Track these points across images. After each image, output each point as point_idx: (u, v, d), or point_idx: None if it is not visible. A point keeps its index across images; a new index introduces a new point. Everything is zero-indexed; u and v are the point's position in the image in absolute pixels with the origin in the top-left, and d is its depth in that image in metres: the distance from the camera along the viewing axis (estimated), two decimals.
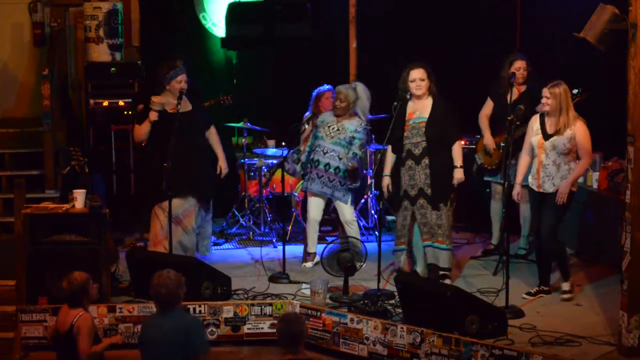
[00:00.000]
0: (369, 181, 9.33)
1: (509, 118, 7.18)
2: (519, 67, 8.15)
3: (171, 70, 7.86)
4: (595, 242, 8.30)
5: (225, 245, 9.09)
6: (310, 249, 8.31)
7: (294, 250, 8.64)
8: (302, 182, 8.51)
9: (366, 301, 7.00)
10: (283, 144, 9.43)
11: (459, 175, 7.50)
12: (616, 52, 6.56)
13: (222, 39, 10.23)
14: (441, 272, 7.55)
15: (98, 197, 7.64)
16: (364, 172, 9.42)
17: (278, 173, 8.26)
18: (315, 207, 8.24)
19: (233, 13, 10.00)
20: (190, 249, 8.02)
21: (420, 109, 7.54)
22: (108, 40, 9.64)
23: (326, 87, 8.85)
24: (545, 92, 7.12)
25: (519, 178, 7.40)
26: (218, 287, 7.23)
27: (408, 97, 7.56)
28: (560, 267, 7.38)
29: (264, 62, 10.46)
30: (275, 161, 9.14)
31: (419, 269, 7.64)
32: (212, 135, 8.15)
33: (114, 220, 7.90)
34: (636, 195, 5.99)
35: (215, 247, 8.87)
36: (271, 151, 9.48)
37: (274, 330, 6.94)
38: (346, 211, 8.18)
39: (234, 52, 10.33)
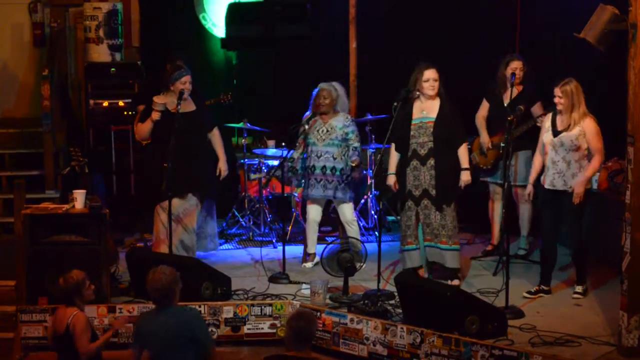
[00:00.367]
0: (369, 181, 9.33)
1: (508, 118, 7.18)
2: (515, 67, 8.15)
3: (176, 71, 7.88)
4: (595, 242, 8.29)
5: (225, 246, 9.09)
6: (310, 250, 8.31)
7: (294, 250, 8.64)
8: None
9: (366, 301, 7.00)
10: (283, 144, 9.43)
11: (465, 177, 7.50)
12: (616, 52, 6.56)
13: (222, 39, 10.23)
14: (448, 272, 7.54)
15: (98, 197, 7.65)
16: (364, 171, 9.43)
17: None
18: (315, 209, 8.24)
19: (233, 13, 10.00)
20: (191, 249, 8.05)
21: (427, 108, 7.53)
22: (108, 41, 9.65)
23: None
24: (557, 91, 7.12)
25: (532, 177, 7.42)
26: (218, 288, 7.23)
27: (416, 96, 7.54)
28: (579, 269, 7.38)
29: (264, 62, 10.46)
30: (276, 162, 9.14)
31: (422, 269, 7.64)
32: (215, 136, 8.17)
33: (114, 220, 7.90)
34: (636, 195, 5.99)
35: None
36: (271, 151, 9.48)
37: (274, 331, 6.98)
38: (347, 211, 8.17)
39: (234, 52, 10.33)
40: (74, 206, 7.22)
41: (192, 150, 7.91)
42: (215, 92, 9.32)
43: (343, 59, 9.69)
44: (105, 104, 9.61)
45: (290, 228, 9.16)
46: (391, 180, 7.68)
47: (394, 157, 7.67)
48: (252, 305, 7.10)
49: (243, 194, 9.52)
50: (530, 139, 8.10)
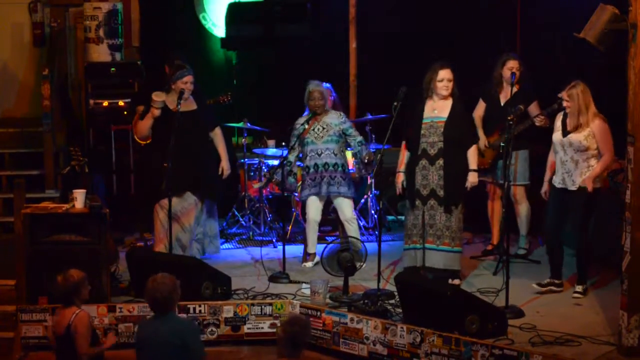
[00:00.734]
0: (369, 181, 9.34)
1: (508, 118, 7.18)
2: (511, 66, 8.15)
3: (178, 71, 7.90)
4: (595, 242, 8.29)
5: (225, 245, 9.08)
6: (310, 250, 8.31)
7: (294, 250, 8.64)
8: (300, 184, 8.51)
9: (366, 301, 7.00)
10: (283, 144, 9.44)
11: (473, 179, 7.48)
12: (616, 52, 6.56)
13: (222, 39, 10.23)
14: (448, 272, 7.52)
15: (98, 197, 7.65)
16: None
17: None
18: (315, 208, 8.24)
19: (233, 13, 10.00)
20: (187, 247, 8.05)
21: (439, 108, 7.51)
22: (108, 41, 9.65)
23: (325, 85, 8.85)
24: (564, 95, 7.14)
25: (547, 176, 7.43)
26: (218, 287, 7.23)
27: (429, 95, 7.53)
28: (580, 268, 7.38)
29: (264, 62, 10.46)
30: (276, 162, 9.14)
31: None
32: (217, 136, 8.18)
33: (114, 220, 7.90)
34: (636, 195, 5.99)
35: None
36: (271, 151, 9.48)
37: (274, 330, 6.98)
38: (346, 209, 8.18)
39: (234, 52, 10.33)
40: (74, 206, 7.22)
41: (192, 149, 7.92)
42: (215, 92, 9.32)
43: (343, 59, 9.71)
44: (105, 103, 9.61)
45: (290, 228, 9.16)
46: (399, 178, 7.67)
47: (405, 155, 7.65)
48: (252, 304, 7.10)
49: (243, 193, 9.52)
50: (528, 138, 8.12)
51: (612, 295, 6.94)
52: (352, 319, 6.80)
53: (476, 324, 6.38)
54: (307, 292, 7.28)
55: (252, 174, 9.44)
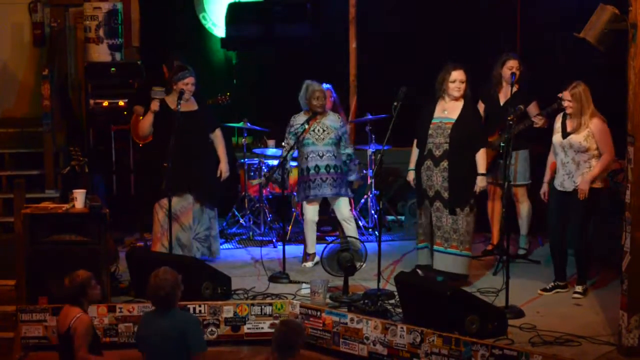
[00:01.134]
0: (369, 181, 9.34)
1: (508, 118, 7.18)
2: (511, 66, 8.15)
3: (180, 72, 7.91)
4: (595, 242, 8.29)
5: (225, 245, 9.08)
6: (310, 250, 8.31)
7: (294, 250, 8.64)
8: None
9: (366, 301, 7.00)
10: (283, 143, 9.43)
11: (481, 183, 7.43)
12: (616, 52, 6.56)
13: (222, 39, 10.24)
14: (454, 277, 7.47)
15: (98, 197, 7.65)
16: (364, 171, 9.44)
17: None
18: (313, 209, 8.24)
19: (233, 13, 10.01)
20: (187, 246, 8.06)
21: (449, 109, 7.48)
22: (108, 41, 9.65)
23: (325, 86, 8.85)
24: (567, 95, 7.12)
25: (547, 177, 7.43)
26: (218, 287, 7.23)
27: (441, 95, 7.51)
28: (579, 268, 7.38)
29: (264, 62, 10.46)
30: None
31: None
32: (217, 137, 8.19)
33: (114, 220, 7.90)
34: (636, 195, 5.99)
35: None
36: (271, 151, 9.48)
37: (274, 330, 6.98)
38: (344, 208, 8.19)
39: (234, 52, 10.33)
40: (74, 206, 7.22)
41: (192, 149, 7.92)
42: (215, 92, 9.33)
43: (343, 59, 9.71)
44: (105, 103, 9.60)
45: (290, 228, 9.16)
46: (410, 176, 7.66)
47: (415, 152, 7.64)
48: (252, 304, 7.10)
49: (243, 193, 9.52)
50: (527, 138, 8.11)
51: (612, 295, 6.94)
52: (352, 319, 6.80)
53: (476, 324, 6.38)
54: (307, 292, 7.27)
55: (252, 174, 9.44)
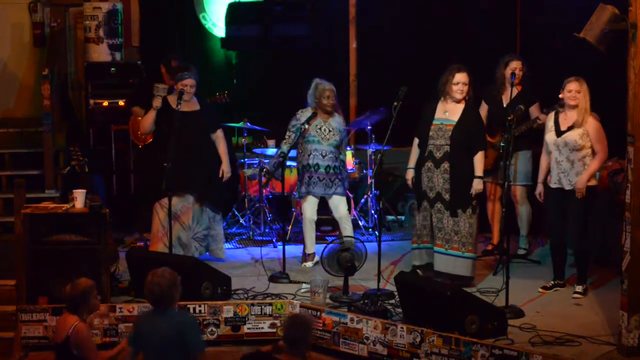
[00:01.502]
0: (369, 181, 9.34)
1: (508, 118, 7.17)
2: (514, 67, 8.15)
3: (182, 72, 7.92)
4: (595, 242, 8.29)
5: (226, 245, 9.06)
6: (309, 250, 8.31)
7: (294, 250, 8.64)
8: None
9: (366, 301, 7.00)
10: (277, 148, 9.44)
11: (477, 185, 7.42)
12: (616, 52, 6.56)
13: (222, 39, 10.24)
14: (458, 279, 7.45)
15: (98, 197, 7.65)
16: (364, 171, 9.43)
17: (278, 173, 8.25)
18: (311, 207, 8.24)
19: (233, 13, 10.00)
20: (187, 246, 8.06)
21: (450, 110, 7.47)
22: (108, 40, 9.65)
23: None
24: (576, 85, 7.12)
25: (541, 177, 7.43)
26: (218, 287, 7.23)
27: (442, 96, 7.51)
28: (579, 269, 7.39)
29: (264, 62, 10.46)
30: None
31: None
32: (218, 138, 8.18)
33: (114, 220, 7.90)
34: (636, 195, 5.99)
35: None
36: (271, 151, 9.47)
37: (274, 330, 6.99)
38: (342, 206, 8.19)
39: (234, 52, 10.33)
40: (73, 206, 7.21)
41: (193, 149, 7.93)
42: (215, 91, 9.33)
43: (343, 59, 9.71)
44: (105, 103, 9.61)
45: (290, 228, 9.16)
46: (409, 175, 7.65)
47: (415, 151, 7.63)
48: (252, 304, 7.10)
49: (243, 193, 9.52)
50: (529, 139, 8.11)
51: (612, 295, 6.94)
52: (352, 319, 6.80)
53: (476, 324, 6.38)
54: (307, 292, 7.27)
55: (247, 170, 9.43)
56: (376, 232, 8.77)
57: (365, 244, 7.45)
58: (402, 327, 6.55)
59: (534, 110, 8.07)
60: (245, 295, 7.35)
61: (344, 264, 7.25)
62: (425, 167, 7.48)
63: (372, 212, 9.38)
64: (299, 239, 8.95)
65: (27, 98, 10.19)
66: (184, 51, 9.14)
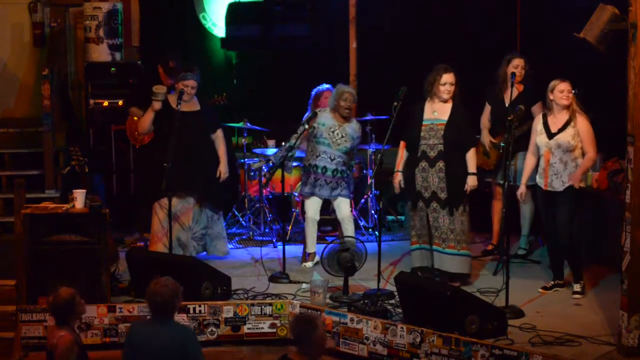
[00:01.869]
0: (369, 181, 9.33)
1: (509, 118, 7.17)
2: (517, 65, 8.14)
3: (183, 72, 7.92)
4: (594, 242, 8.30)
5: None
6: (310, 249, 8.30)
7: (294, 250, 8.63)
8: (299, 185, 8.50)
9: (366, 301, 6.99)
10: (283, 143, 9.43)
11: (472, 182, 7.44)
12: (616, 52, 6.56)
13: (222, 39, 10.23)
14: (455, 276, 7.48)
15: (98, 197, 7.65)
16: (364, 171, 9.43)
17: (278, 173, 8.25)
18: (313, 207, 8.23)
19: (233, 13, 10.00)
20: (187, 246, 8.06)
21: (439, 110, 7.49)
22: (108, 41, 9.65)
23: (325, 86, 8.86)
24: (567, 85, 7.18)
25: (524, 178, 7.43)
26: (218, 287, 7.23)
27: (429, 98, 7.52)
28: (573, 266, 7.40)
29: (264, 62, 10.46)
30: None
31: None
32: (218, 138, 8.18)
33: (114, 220, 7.90)
34: (636, 195, 5.99)
35: None
36: (271, 151, 9.47)
37: (274, 330, 6.99)
38: (345, 207, 8.18)
39: (234, 52, 10.33)
40: (73, 206, 7.22)
41: (192, 149, 7.93)
42: (215, 91, 9.33)
43: (343, 59, 9.70)
44: (105, 103, 9.61)
45: (290, 228, 9.16)
46: (397, 178, 7.66)
47: (402, 154, 7.63)
48: (252, 304, 7.10)
49: (243, 193, 9.52)
50: None
51: (612, 295, 6.93)
52: (352, 319, 6.80)
53: (476, 324, 6.38)
54: (307, 292, 7.27)
55: (252, 174, 9.44)
56: (376, 232, 8.77)
57: (365, 244, 7.46)
58: (402, 327, 6.55)
59: (536, 110, 8.04)
60: (245, 296, 7.35)
61: (344, 264, 7.25)
62: (420, 167, 7.48)
63: (372, 212, 9.38)
64: (299, 239, 8.95)
65: (27, 98, 10.18)
66: (184, 51, 9.14)
